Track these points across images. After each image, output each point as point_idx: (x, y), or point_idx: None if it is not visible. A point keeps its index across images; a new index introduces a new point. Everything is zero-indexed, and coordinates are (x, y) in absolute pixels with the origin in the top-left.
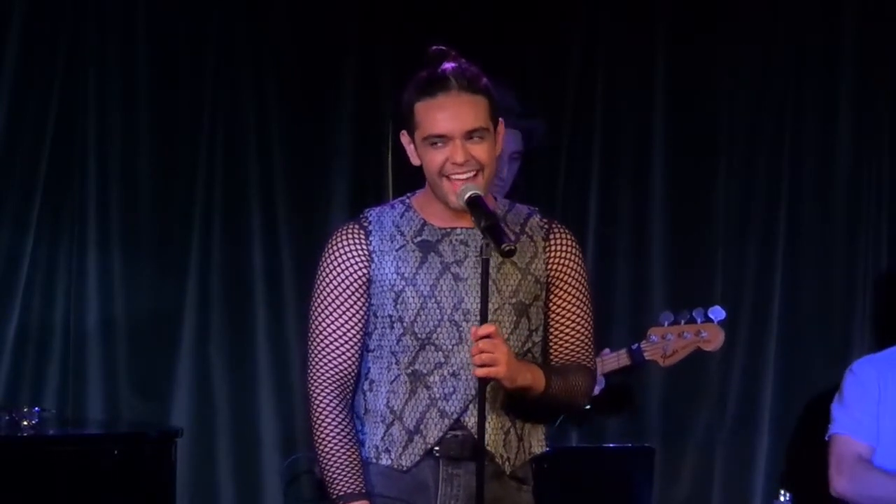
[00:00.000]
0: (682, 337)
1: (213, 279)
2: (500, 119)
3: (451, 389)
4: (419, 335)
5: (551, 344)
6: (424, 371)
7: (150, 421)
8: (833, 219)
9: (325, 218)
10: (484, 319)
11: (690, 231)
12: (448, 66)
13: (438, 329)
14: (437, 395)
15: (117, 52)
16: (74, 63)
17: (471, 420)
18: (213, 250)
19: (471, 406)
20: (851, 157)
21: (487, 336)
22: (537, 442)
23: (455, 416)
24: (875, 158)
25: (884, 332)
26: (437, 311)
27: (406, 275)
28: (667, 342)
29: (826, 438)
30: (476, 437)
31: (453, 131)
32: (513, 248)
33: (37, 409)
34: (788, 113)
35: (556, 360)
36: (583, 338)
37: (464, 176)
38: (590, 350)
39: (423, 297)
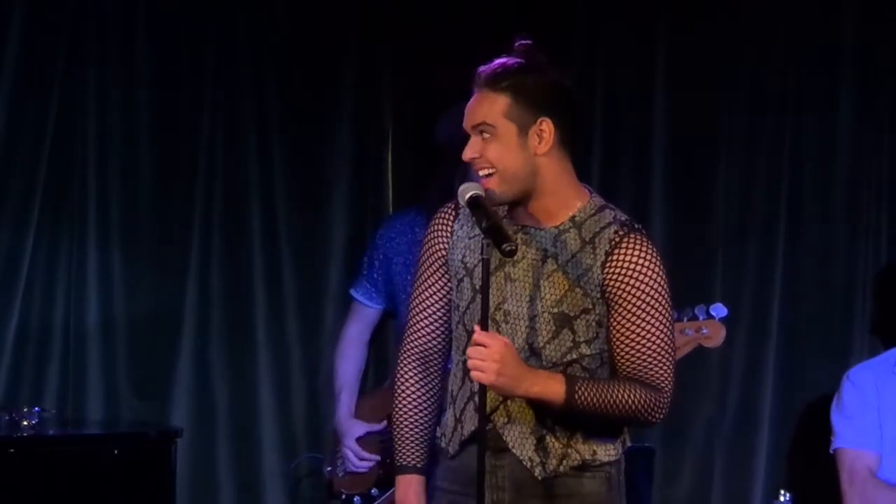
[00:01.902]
0: (684, 334)
1: (213, 279)
2: (545, 118)
3: None
4: (467, 326)
5: (615, 359)
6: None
7: (150, 421)
8: (833, 219)
9: (325, 218)
10: (484, 322)
11: (690, 231)
12: (490, 63)
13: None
14: (476, 389)
15: (117, 52)
16: (74, 63)
17: (500, 419)
18: (213, 250)
19: (501, 406)
20: (851, 157)
21: (480, 345)
22: (604, 451)
23: (487, 411)
24: (875, 158)
25: (883, 333)
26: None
27: (468, 265)
28: None
29: (831, 451)
30: (502, 435)
31: (465, 126)
32: (513, 248)
33: (37, 409)
34: (788, 113)
35: (622, 374)
36: (644, 355)
37: (482, 173)
38: (655, 367)
39: (475, 291)
